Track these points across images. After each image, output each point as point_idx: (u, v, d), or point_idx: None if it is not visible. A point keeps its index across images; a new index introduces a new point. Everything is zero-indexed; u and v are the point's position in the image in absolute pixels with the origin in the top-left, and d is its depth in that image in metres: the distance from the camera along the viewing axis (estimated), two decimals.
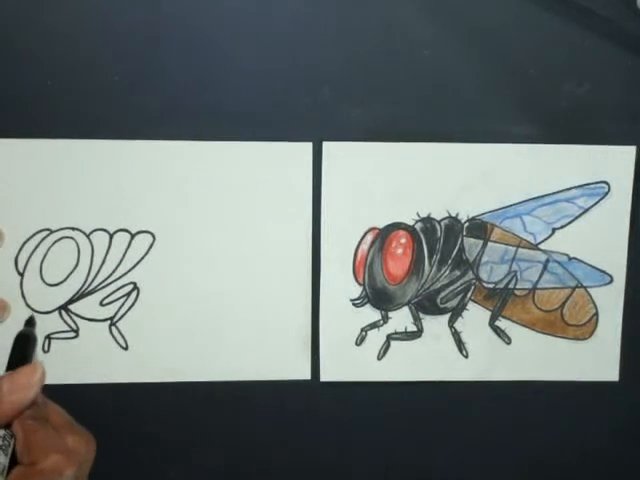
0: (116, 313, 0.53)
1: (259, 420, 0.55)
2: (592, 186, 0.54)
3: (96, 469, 0.50)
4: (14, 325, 0.52)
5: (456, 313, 0.55)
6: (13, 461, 0.40)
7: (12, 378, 0.42)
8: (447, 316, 0.55)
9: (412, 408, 0.56)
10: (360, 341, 0.54)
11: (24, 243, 0.52)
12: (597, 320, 0.55)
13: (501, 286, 0.55)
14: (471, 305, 0.55)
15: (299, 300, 0.54)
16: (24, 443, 0.41)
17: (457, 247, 0.54)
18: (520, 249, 0.54)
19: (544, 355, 0.55)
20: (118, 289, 0.53)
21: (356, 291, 0.54)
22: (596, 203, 0.54)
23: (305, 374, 0.55)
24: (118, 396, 0.54)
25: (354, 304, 0.54)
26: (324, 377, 0.55)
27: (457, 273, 0.54)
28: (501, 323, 0.55)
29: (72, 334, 0.53)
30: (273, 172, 0.53)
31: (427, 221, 0.54)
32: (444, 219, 0.54)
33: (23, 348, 0.46)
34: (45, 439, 0.41)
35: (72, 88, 0.51)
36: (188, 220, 0.53)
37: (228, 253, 0.53)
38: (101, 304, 0.53)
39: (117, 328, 0.53)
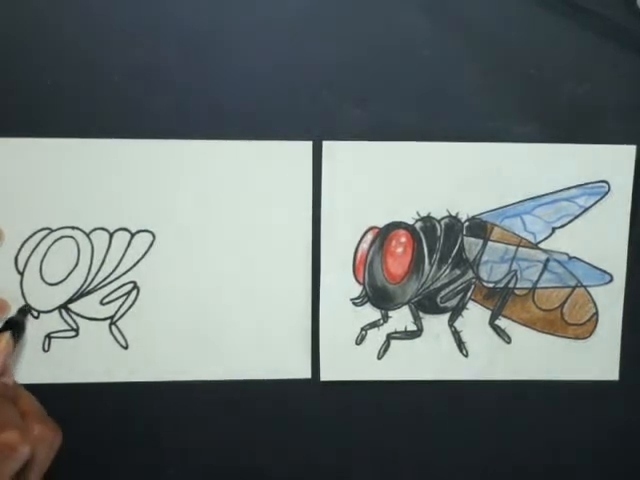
0: (116, 312, 0.53)
1: (259, 420, 0.55)
2: (592, 185, 0.54)
3: (96, 468, 0.50)
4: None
5: (456, 312, 0.55)
6: None
7: None
8: (447, 315, 0.55)
9: (412, 408, 0.56)
10: (360, 340, 0.54)
11: (24, 243, 0.52)
12: (597, 319, 0.55)
13: (501, 285, 0.55)
14: (471, 304, 0.55)
15: (299, 300, 0.54)
16: None
17: (457, 246, 0.54)
18: (520, 248, 0.54)
19: (544, 354, 0.55)
20: (118, 288, 0.53)
21: (356, 290, 0.54)
22: (596, 202, 0.54)
23: (305, 374, 0.55)
24: (118, 396, 0.54)
25: (354, 303, 0.54)
26: (324, 377, 0.55)
27: (457, 272, 0.54)
28: (501, 322, 0.55)
29: (72, 333, 0.53)
30: (273, 172, 0.53)
31: (427, 220, 0.54)
32: (444, 218, 0.54)
33: (9, 330, 0.47)
34: (4, 414, 0.42)
35: (72, 88, 0.51)
36: (188, 219, 0.53)
37: (228, 252, 0.53)
38: (101, 303, 0.53)
39: (117, 327, 0.53)
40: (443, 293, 0.54)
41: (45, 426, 0.44)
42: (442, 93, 0.53)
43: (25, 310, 0.51)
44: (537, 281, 0.55)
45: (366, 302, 0.54)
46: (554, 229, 0.54)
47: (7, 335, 0.47)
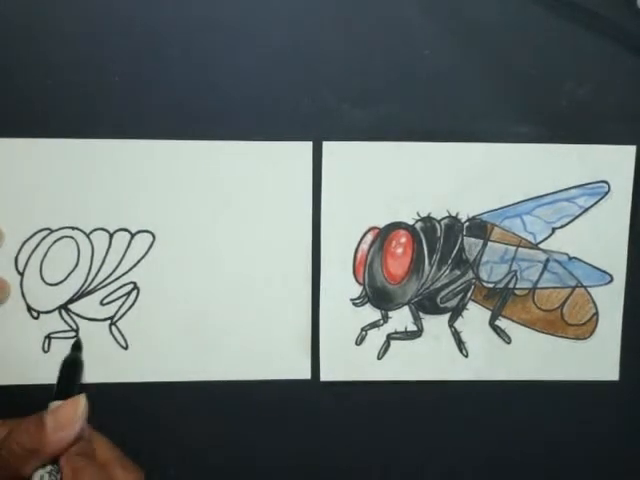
0: (116, 313, 0.53)
1: (259, 420, 0.55)
2: (592, 186, 0.54)
3: None
4: (14, 325, 0.52)
5: (456, 313, 0.55)
6: None
7: (56, 414, 0.42)
8: (447, 316, 0.55)
9: (412, 408, 0.56)
10: (360, 341, 0.54)
11: (24, 243, 0.52)
12: (597, 320, 0.55)
13: (501, 286, 0.55)
14: (471, 305, 0.55)
15: (299, 300, 0.54)
16: (72, 479, 0.41)
17: (457, 247, 0.54)
18: (520, 249, 0.54)
19: (544, 355, 0.55)
20: (118, 289, 0.53)
21: (356, 291, 0.54)
22: (596, 203, 0.54)
23: (305, 374, 0.55)
24: (118, 396, 0.54)
25: (354, 304, 0.54)
26: (324, 377, 0.55)
27: (457, 273, 0.54)
28: (501, 323, 0.55)
29: (72, 334, 0.53)
30: (273, 172, 0.53)
31: (427, 220, 0.54)
32: (444, 218, 0.54)
33: (70, 375, 0.46)
34: (91, 475, 0.42)
35: (72, 88, 0.51)
36: (188, 220, 0.53)
37: (228, 253, 0.53)
38: (101, 304, 0.53)
39: (117, 328, 0.53)
40: (443, 293, 0.54)
41: (126, 472, 0.44)
42: (442, 93, 0.53)
43: (79, 345, 0.49)
44: (537, 281, 0.55)
45: (366, 302, 0.54)
46: (554, 229, 0.54)
47: (83, 399, 0.45)
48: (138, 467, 0.45)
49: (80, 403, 0.43)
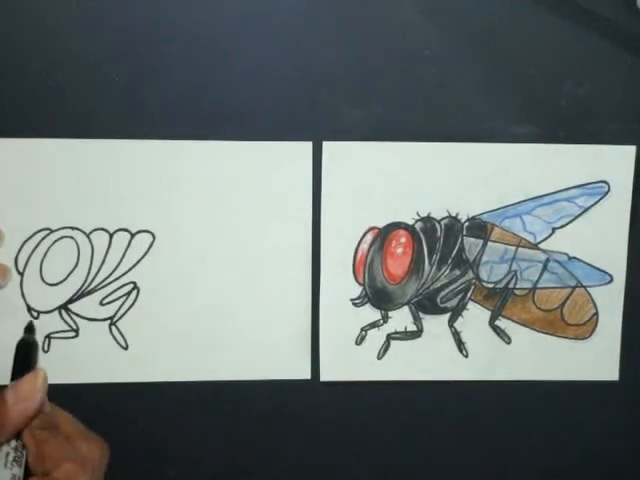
0: (116, 313, 0.53)
1: (259, 420, 0.55)
2: (592, 186, 0.54)
3: None
4: (14, 325, 0.52)
5: (456, 313, 0.55)
6: (27, 472, 0.41)
7: (15, 388, 0.42)
8: (447, 316, 0.55)
9: (412, 408, 0.56)
10: (360, 341, 0.54)
11: (24, 243, 0.52)
12: (597, 320, 0.55)
13: (501, 286, 0.55)
14: (471, 305, 0.55)
15: (299, 300, 0.54)
16: (36, 453, 0.42)
17: (457, 247, 0.54)
18: (520, 249, 0.54)
19: (544, 355, 0.55)
20: (118, 289, 0.53)
21: (356, 291, 0.54)
22: (596, 203, 0.54)
23: (305, 374, 0.55)
24: (118, 396, 0.54)
25: (354, 304, 0.54)
26: (324, 377, 0.55)
27: (457, 273, 0.54)
28: (501, 323, 0.55)
29: (72, 334, 0.53)
30: (273, 172, 0.53)
31: (427, 220, 0.54)
32: (444, 219, 0.54)
33: (25, 356, 0.46)
34: (57, 448, 0.42)
35: (72, 88, 0.51)
36: (188, 220, 0.53)
37: (228, 253, 0.53)
38: (101, 304, 0.53)
39: (117, 328, 0.53)
40: (443, 293, 0.54)
41: (92, 444, 0.44)
42: (442, 93, 0.53)
43: (32, 327, 0.50)
44: (537, 281, 0.55)
45: (366, 302, 0.54)
46: (554, 229, 0.54)
47: (42, 372, 0.45)
48: (102, 440, 0.45)
49: (39, 376, 0.43)
